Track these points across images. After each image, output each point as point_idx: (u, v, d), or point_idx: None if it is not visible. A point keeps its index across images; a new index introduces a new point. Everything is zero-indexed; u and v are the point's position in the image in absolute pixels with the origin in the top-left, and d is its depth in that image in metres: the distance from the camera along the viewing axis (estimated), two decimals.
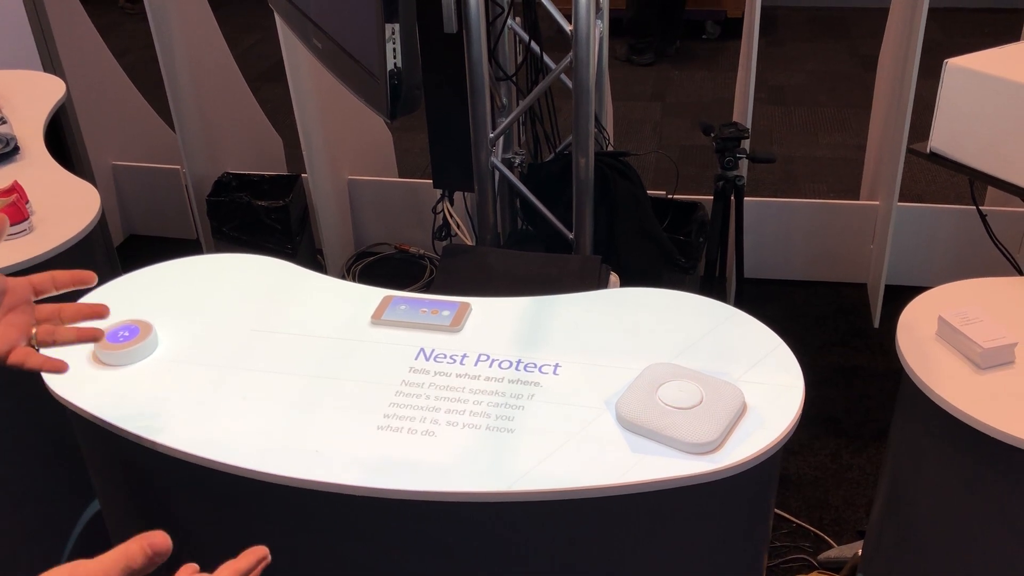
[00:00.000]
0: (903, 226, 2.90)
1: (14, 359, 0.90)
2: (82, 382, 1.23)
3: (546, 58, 2.21)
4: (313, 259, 3.22)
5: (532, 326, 1.31)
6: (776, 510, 2.26)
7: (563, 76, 2.07)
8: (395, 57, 1.19)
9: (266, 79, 4.65)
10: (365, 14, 1.21)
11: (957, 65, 1.62)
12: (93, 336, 0.93)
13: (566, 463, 1.07)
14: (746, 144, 2.34)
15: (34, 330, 0.92)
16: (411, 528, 1.11)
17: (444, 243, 2.46)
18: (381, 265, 3.33)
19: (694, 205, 2.73)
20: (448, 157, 2.35)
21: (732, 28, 5.17)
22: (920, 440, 1.42)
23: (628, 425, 1.11)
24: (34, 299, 0.95)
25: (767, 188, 3.73)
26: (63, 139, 2.51)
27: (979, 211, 1.87)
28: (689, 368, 1.18)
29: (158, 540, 0.68)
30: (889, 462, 1.54)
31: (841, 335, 2.90)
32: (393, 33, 1.18)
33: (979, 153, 1.64)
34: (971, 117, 1.63)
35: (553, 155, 2.42)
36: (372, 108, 1.29)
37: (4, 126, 2.11)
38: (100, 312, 0.94)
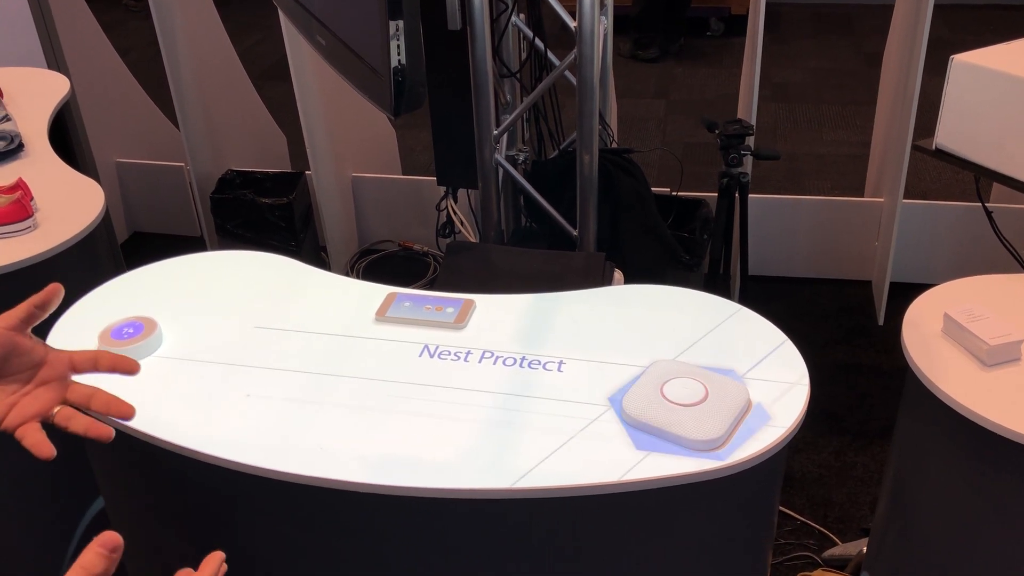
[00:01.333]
0: (908, 223, 2.89)
1: (59, 420, 0.88)
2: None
3: (550, 55, 2.21)
4: (317, 256, 3.22)
5: (536, 323, 1.30)
6: (780, 507, 2.26)
7: (567, 73, 2.07)
8: (399, 54, 1.19)
9: (270, 76, 4.65)
10: (369, 11, 1.21)
11: (963, 61, 1.62)
12: (103, 435, 0.90)
13: (570, 460, 1.07)
14: (750, 141, 2.33)
15: (56, 409, 0.89)
16: (414, 525, 1.11)
17: (448, 240, 2.47)
18: (385, 262, 3.33)
19: (698, 202, 2.72)
20: (452, 154, 2.35)
21: (736, 25, 5.17)
22: (925, 437, 1.42)
23: (633, 422, 1.11)
24: (72, 375, 0.92)
25: (771, 185, 3.72)
26: (67, 136, 2.52)
27: (985, 208, 1.86)
28: (694, 365, 1.17)
29: (108, 538, 0.68)
30: (894, 460, 1.54)
31: (845, 332, 2.89)
32: (397, 30, 1.17)
33: (985, 149, 1.64)
34: (977, 113, 1.62)
35: (557, 152, 2.41)
36: (376, 105, 1.28)
37: (8, 123, 2.11)
38: (127, 413, 0.91)
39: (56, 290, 0.88)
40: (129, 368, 0.91)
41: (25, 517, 1.79)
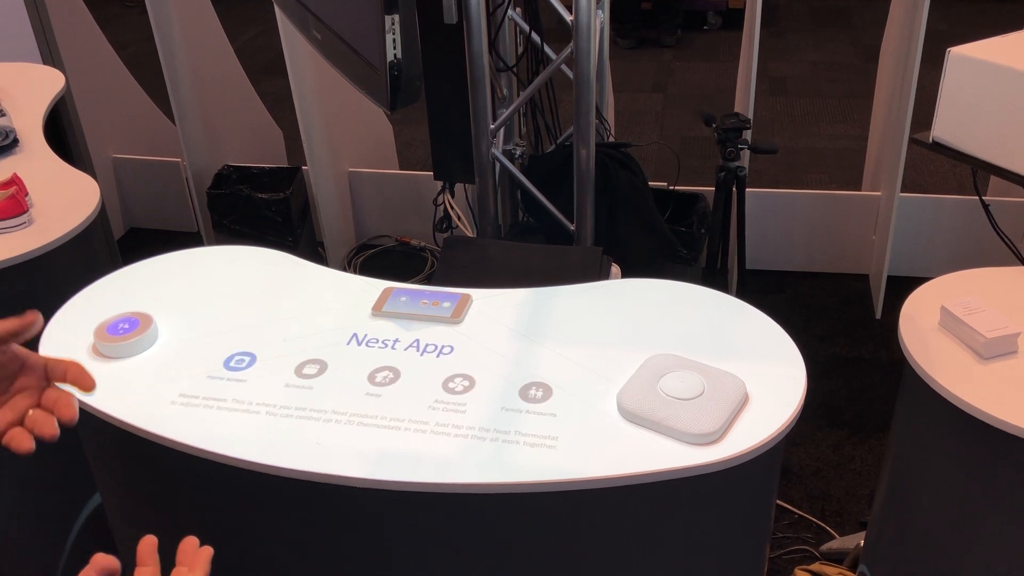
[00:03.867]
0: (905, 216, 2.89)
1: (7, 441, 0.90)
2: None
3: (547, 49, 2.21)
4: (314, 251, 3.22)
5: (533, 318, 1.30)
6: (778, 501, 2.26)
7: (564, 67, 2.07)
8: (395, 48, 1.18)
9: (266, 72, 4.64)
10: (365, 5, 1.21)
11: (960, 54, 1.61)
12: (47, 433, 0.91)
13: (567, 454, 1.07)
14: (748, 135, 2.33)
15: (29, 412, 0.92)
16: (411, 520, 1.11)
17: (445, 235, 2.46)
18: (382, 257, 3.33)
19: (696, 196, 2.72)
20: (449, 149, 2.35)
21: (734, 18, 5.16)
22: (922, 430, 1.42)
23: (629, 416, 1.10)
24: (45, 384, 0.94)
25: (769, 179, 3.72)
26: (63, 132, 2.51)
27: (982, 201, 1.86)
28: (691, 359, 1.17)
29: (105, 562, 0.69)
30: (891, 453, 1.54)
31: (843, 326, 2.89)
32: (393, 24, 1.17)
33: (982, 142, 1.63)
34: (974, 106, 1.62)
35: (554, 146, 2.41)
36: (372, 100, 1.28)
37: (3, 119, 2.10)
38: (71, 417, 0.93)
39: (33, 320, 0.90)
40: (86, 385, 0.93)
41: (22, 512, 1.79)
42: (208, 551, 0.85)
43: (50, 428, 0.88)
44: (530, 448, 1.08)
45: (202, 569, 0.83)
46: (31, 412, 0.90)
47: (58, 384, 0.93)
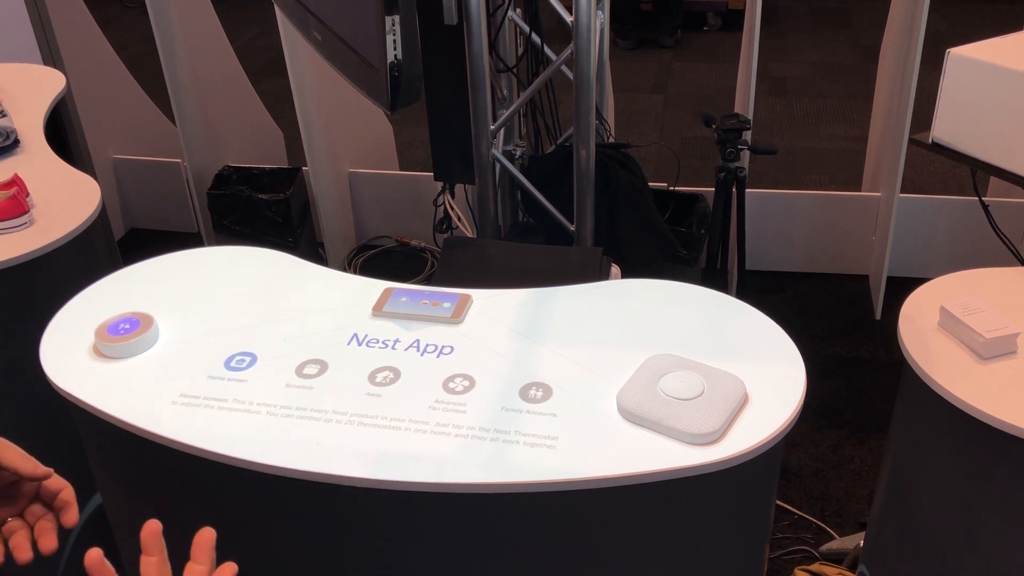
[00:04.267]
0: (905, 217, 2.89)
1: (5, 530, 0.91)
2: (83, 374, 1.23)
3: (547, 50, 2.21)
4: (314, 252, 3.22)
5: (533, 318, 1.31)
6: (778, 502, 2.26)
7: (564, 67, 2.07)
8: (395, 49, 1.19)
9: (267, 72, 4.65)
10: (365, 6, 1.21)
11: (959, 55, 1.62)
12: (21, 558, 0.92)
13: (567, 454, 1.07)
14: (748, 135, 2.33)
15: (8, 519, 0.92)
16: (411, 520, 1.11)
17: (445, 236, 2.46)
18: (382, 258, 3.33)
19: (695, 197, 2.72)
20: (449, 149, 2.35)
21: (734, 19, 5.17)
22: (922, 431, 1.42)
23: (629, 416, 1.11)
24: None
25: (768, 180, 3.72)
26: (63, 132, 2.51)
27: (981, 202, 1.86)
28: (690, 359, 1.17)
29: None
30: (891, 453, 1.54)
31: (843, 326, 2.90)
32: (393, 25, 1.17)
33: (982, 143, 1.64)
34: (973, 107, 1.62)
35: (554, 147, 2.41)
36: (372, 100, 1.28)
37: (4, 119, 2.10)
38: (47, 547, 0.93)
39: (46, 475, 0.92)
40: (68, 519, 0.93)
41: None
42: (232, 568, 0.83)
43: (25, 554, 0.89)
44: (530, 448, 1.08)
45: None
46: (11, 522, 0.90)
47: (46, 498, 0.93)
